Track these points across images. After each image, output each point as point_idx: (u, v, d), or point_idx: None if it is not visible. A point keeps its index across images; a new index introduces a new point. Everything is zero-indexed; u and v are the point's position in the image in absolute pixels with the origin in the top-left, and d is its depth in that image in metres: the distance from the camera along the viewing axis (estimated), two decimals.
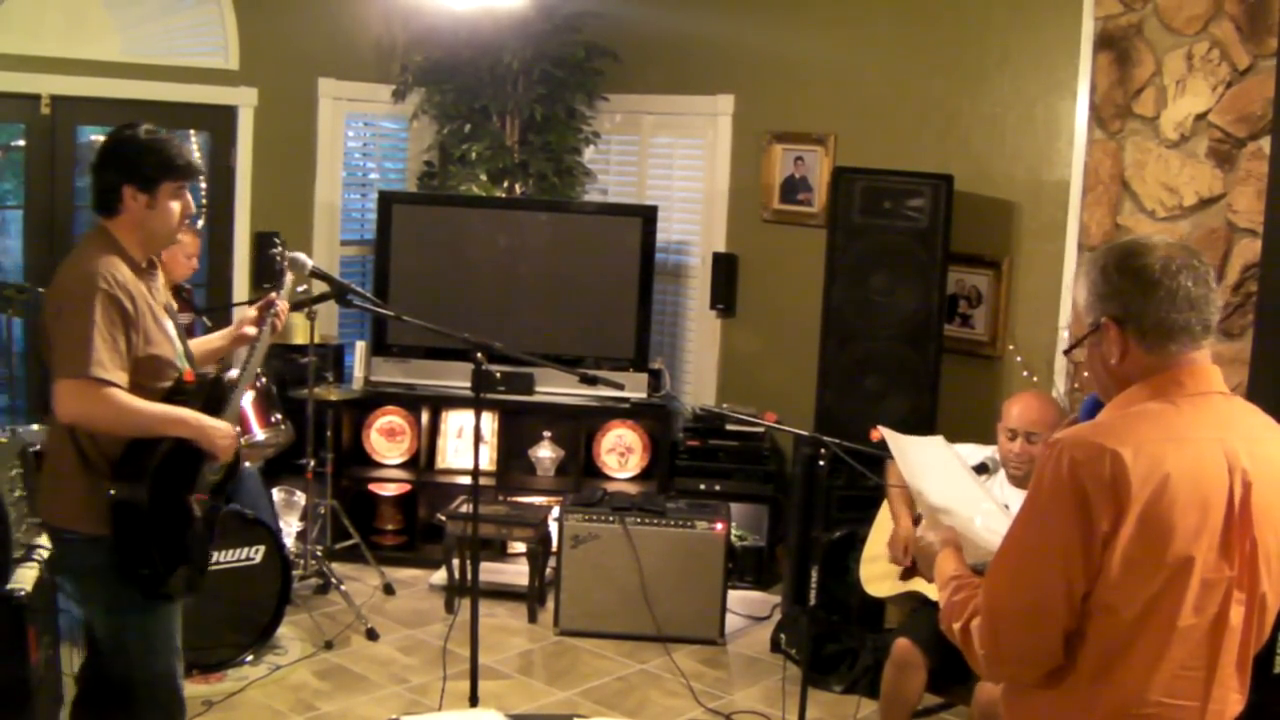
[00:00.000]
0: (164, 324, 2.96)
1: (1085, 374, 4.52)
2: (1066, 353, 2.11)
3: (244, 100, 5.81)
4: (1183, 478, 1.89)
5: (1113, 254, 2.02)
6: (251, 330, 3.28)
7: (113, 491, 2.81)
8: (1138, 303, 1.96)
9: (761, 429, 5.72)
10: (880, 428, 3.05)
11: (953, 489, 2.62)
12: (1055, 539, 1.91)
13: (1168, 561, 1.89)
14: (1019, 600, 1.96)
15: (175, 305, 3.09)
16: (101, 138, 3.07)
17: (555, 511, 5.28)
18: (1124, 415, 1.97)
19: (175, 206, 2.94)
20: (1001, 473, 3.80)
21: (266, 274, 5.90)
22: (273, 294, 3.32)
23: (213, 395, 3.03)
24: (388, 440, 5.98)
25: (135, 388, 2.82)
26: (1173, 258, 1.97)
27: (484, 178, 6.16)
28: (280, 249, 3.62)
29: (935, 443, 3.05)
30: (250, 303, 5.76)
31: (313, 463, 5.16)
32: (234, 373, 3.20)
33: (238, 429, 3.06)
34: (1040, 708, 2.03)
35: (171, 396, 2.93)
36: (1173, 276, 1.95)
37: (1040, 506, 1.94)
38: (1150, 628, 1.91)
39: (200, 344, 3.28)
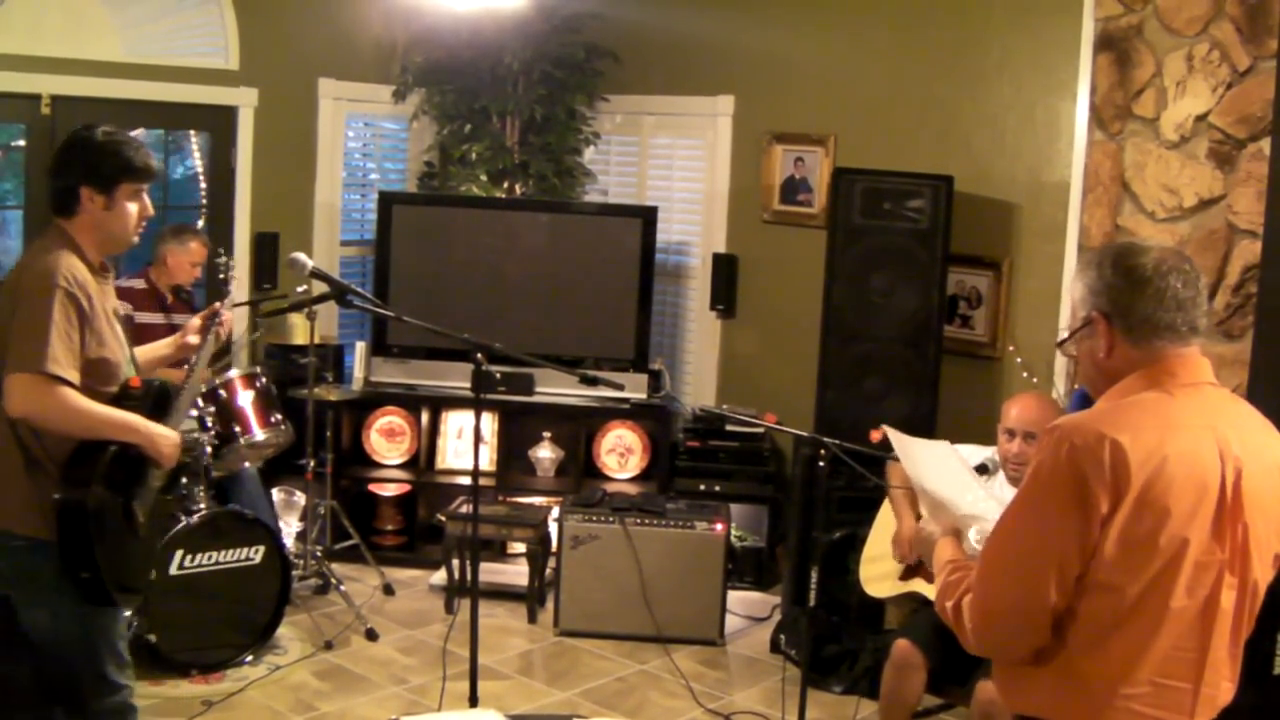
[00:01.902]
0: (115, 328, 2.95)
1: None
2: (1059, 345, 2.18)
3: (244, 100, 5.82)
4: (1179, 463, 1.96)
5: (1108, 253, 2.12)
6: (195, 339, 3.29)
7: (57, 495, 2.78)
8: (1127, 299, 2.05)
9: (761, 430, 5.72)
10: (885, 427, 3.07)
11: (953, 486, 2.67)
12: (1050, 522, 1.98)
13: (1163, 543, 1.96)
14: (1010, 579, 2.03)
15: (121, 311, 3.09)
16: None
17: (555, 512, 5.28)
18: (1121, 404, 2.05)
19: (133, 208, 2.93)
20: (1001, 473, 3.81)
21: (267, 274, 5.91)
22: (217, 304, 3.37)
23: (158, 401, 3.01)
24: (388, 441, 5.98)
25: (84, 390, 2.80)
26: (1164, 260, 2.07)
27: (484, 178, 6.17)
28: (224, 259, 3.76)
29: (940, 445, 3.09)
30: (252, 304, 5.77)
31: (313, 463, 5.16)
32: (206, 366, 3.22)
33: (180, 436, 3.04)
34: (1031, 684, 2.09)
35: (118, 401, 2.91)
36: (1163, 277, 2.04)
37: (1037, 490, 2.01)
38: (1144, 608, 1.98)
39: (146, 351, 3.27)
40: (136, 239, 3.04)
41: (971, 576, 2.10)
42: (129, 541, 2.95)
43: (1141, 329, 2.05)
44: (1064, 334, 2.20)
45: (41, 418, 2.75)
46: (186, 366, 3.28)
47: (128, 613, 4.15)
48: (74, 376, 2.75)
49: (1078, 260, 4.75)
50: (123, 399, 2.92)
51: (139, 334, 4.87)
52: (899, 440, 2.94)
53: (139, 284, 5.08)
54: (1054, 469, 1.97)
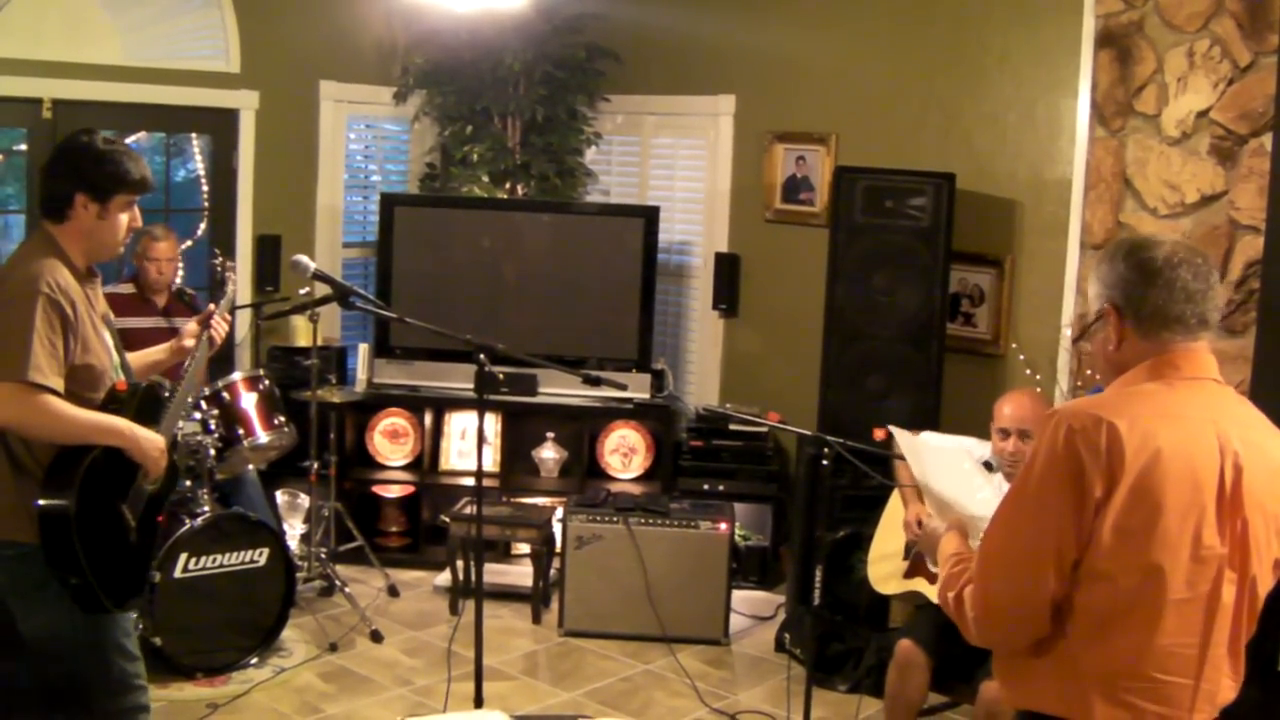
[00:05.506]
0: (102, 333, 2.93)
1: (1088, 371, 4.50)
2: (1075, 341, 2.20)
3: (246, 103, 5.82)
4: (1175, 453, 1.97)
5: (1121, 247, 2.15)
6: (191, 344, 3.28)
7: (41, 501, 2.76)
8: (1137, 291, 2.08)
9: (765, 429, 5.72)
10: (891, 428, 3.05)
11: (960, 485, 2.67)
12: (1049, 504, 1.99)
13: (1158, 535, 1.97)
14: (1010, 565, 2.04)
15: (112, 315, 3.08)
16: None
17: (559, 512, 5.28)
18: (1121, 393, 2.08)
19: (124, 219, 2.93)
20: (1000, 473, 3.80)
21: (269, 277, 5.91)
22: (211, 306, 3.35)
23: (146, 404, 2.99)
24: (391, 442, 5.98)
25: (70, 396, 2.78)
26: (1175, 253, 2.08)
27: (486, 179, 6.17)
28: (220, 260, 3.73)
29: (952, 448, 3.06)
30: (255, 307, 5.77)
31: (316, 465, 5.16)
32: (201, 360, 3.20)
33: (168, 440, 3.02)
34: (1032, 676, 2.10)
35: (104, 406, 2.90)
36: (1173, 269, 2.06)
37: (1036, 473, 2.02)
38: (1142, 601, 1.98)
39: (141, 356, 3.27)
40: (122, 249, 3.04)
41: (973, 567, 2.11)
42: (120, 546, 2.93)
43: (1151, 321, 2.07)
44: (1070, 335, 2.22)
45: (24, 426, 2.74)
46: (182, 369, 3.26)
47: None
48: (57, 384, 2.74)
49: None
50: (108, 403, 2.91)
51: (130, 339, 4.88)
52: (905, 441, 2.93)
53: (126, 289, 5.06)
54: (1051, 450, 1.99)
